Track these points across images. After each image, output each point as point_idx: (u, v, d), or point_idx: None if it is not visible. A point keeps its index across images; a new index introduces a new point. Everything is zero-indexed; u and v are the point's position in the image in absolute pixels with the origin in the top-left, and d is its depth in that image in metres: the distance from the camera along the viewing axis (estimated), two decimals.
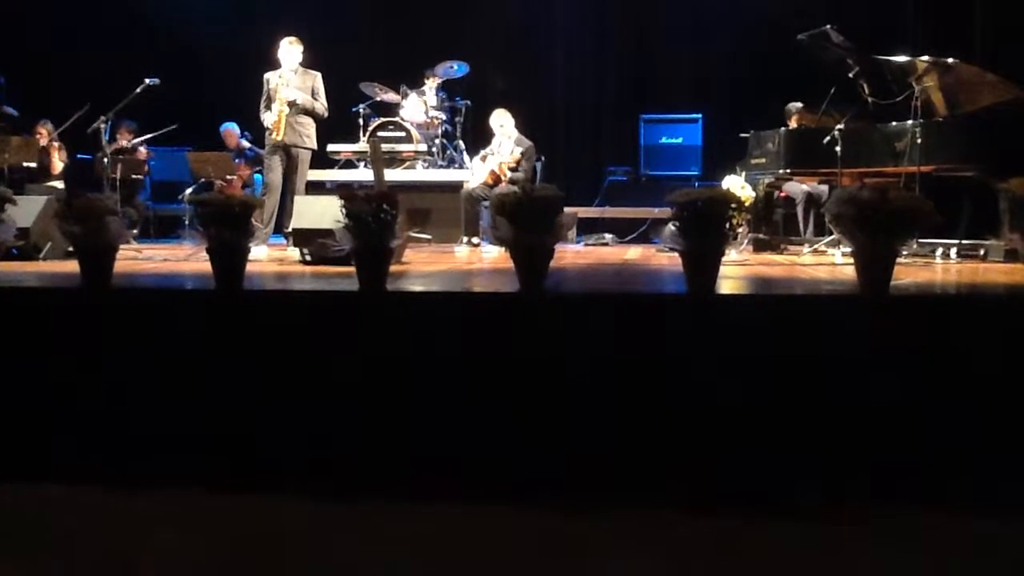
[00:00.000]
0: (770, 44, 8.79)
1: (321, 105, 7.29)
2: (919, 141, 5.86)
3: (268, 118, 7.21)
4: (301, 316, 3.51)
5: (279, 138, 7.16)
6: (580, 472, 3.09)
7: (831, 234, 5.92)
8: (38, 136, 8.40)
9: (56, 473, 3.18)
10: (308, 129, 7.29)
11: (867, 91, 6.49)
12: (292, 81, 7.20)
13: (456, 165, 8.99)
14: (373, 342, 3.38)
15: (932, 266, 5.31)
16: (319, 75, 7.34)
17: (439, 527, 2.81)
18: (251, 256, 3.84)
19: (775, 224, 7.54)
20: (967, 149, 5.85)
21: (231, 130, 9.28)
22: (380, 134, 8.72)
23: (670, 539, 2.71)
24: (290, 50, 7.24)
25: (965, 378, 3.12)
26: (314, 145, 7.37)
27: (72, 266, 3.93)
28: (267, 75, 7.31)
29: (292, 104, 7.14)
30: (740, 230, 5.64)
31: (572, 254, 6.83)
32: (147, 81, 7.05)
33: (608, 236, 8.75)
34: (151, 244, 7.75)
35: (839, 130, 6.18)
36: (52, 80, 9.76)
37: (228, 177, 8.64)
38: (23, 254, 5.43)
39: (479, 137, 8.82)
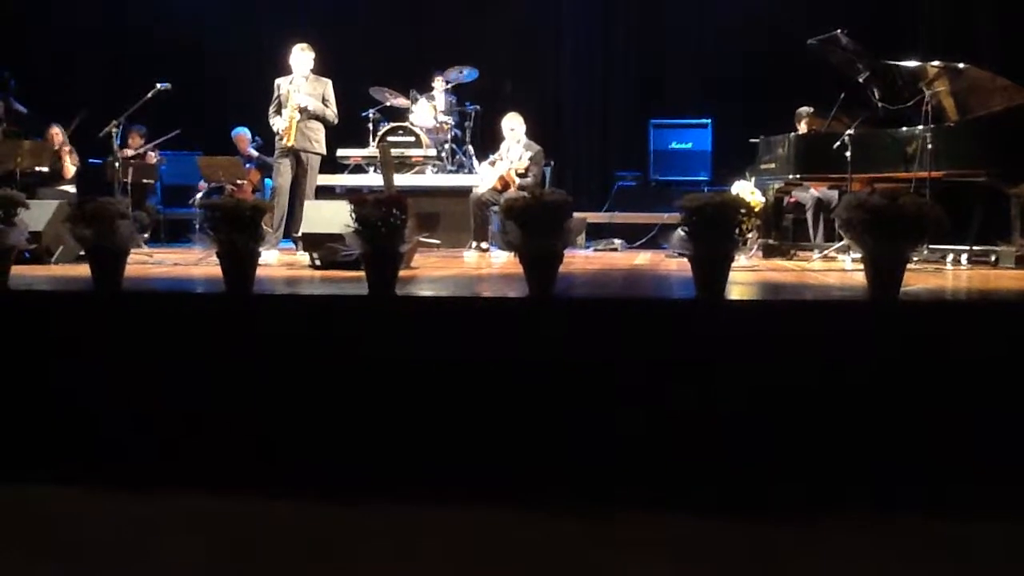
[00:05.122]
0: (780, 48, 8.78)
1: (332, 112, 7.32)
2: (930, 146, 5.84)
3: (279, 123, 7.24)
4: (311, 320, 3.52)
5: (290, 143, 7.19)
6: (588, 476, 3.09)
7: (841, 240, 5.92)
8: (50, 139, 8.44)
9: (64, 475, 3.18)
10: (318, 134, 7.32)
11: (877, 96, 6.48)
12: (303, 87, 7.23)
13: (465, 170, 9.00)
14: (382, 346, 3.39)
15: (942, 272, 5.29)
16: (330, 82, 7.37)
17: (446, 531, 2.81)
18: (261, 260, 3.86)
19: (785, 230, 7.53)
20: (978, 154, 5.83)
21: (242, 134, 9.31)
22: (390, 139, 8.74)
23: (679, 544, 2.71)
24: (302, 56, 7.27)
25: (974, 384, 3.11)
26: (323, 150, 7.40)
27: (83, 270, 3.95)
28: (278, 80, 7.34)
29: (303, 110, 7.17)
30: (750, 236, 5.62)
31: (581, 259, 6.83)
32: (159, 86, 7.07)
33: (617, 241, 8.75)
34: (162, 248, 7.78)
35: (849, 135, 6.17)
36: (64, 84, 9.81)
37: (239, 181, 8.68)
38: (35, 258, 5.46)
39: (488, 142, 8.84)
